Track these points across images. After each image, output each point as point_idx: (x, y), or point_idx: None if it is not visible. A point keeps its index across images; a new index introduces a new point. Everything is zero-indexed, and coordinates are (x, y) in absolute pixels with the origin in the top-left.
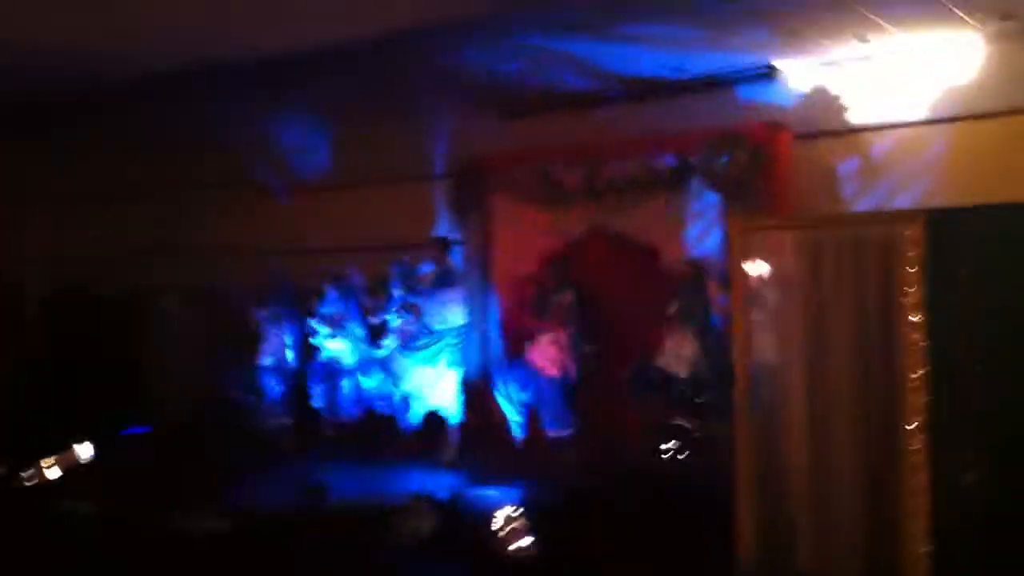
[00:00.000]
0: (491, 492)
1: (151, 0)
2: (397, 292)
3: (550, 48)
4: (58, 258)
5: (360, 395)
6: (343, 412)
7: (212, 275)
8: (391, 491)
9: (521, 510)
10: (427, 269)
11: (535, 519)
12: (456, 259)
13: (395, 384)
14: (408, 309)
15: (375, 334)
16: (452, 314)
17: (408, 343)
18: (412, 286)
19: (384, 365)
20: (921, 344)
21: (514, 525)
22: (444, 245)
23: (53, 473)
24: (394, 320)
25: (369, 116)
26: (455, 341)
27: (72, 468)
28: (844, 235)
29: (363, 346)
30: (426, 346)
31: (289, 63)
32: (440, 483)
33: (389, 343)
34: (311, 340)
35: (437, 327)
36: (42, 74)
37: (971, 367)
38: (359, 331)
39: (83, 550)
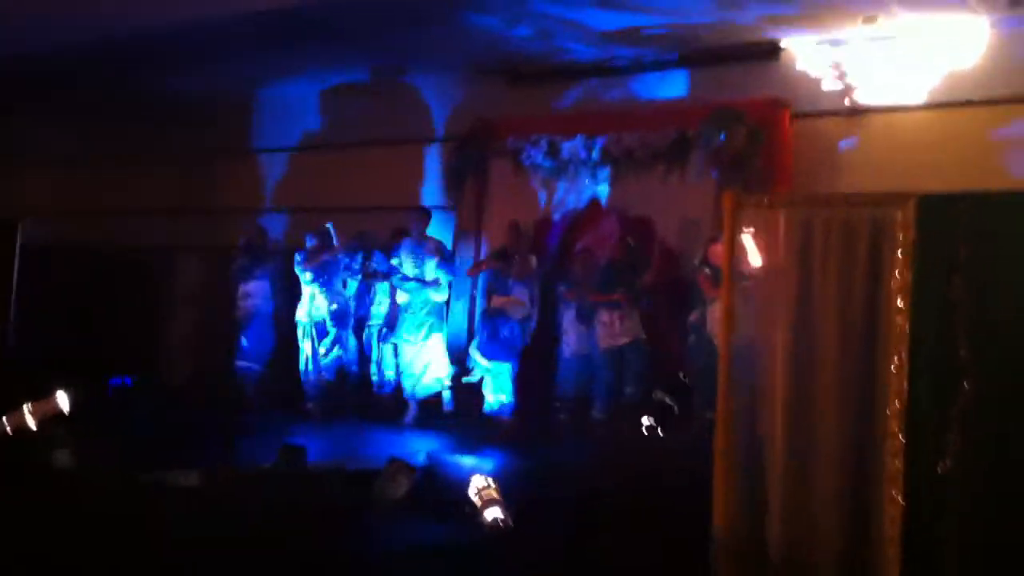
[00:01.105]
0: (465, 459)
1: None
2: (387, 257)
3: (557, 15)
4: (58, 213)
5: (344, 357)
6: (326, 372)
7: (208, 235)
8: (371, 454)
9: (493, 479)
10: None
11: (509, 489)
12: (448, 224)
13: (380, 345)
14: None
15: (360, 294)
16: (435, 283)
17: (395, 307)
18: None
19: (368, 326)
20: (905, 329)
21: (487, 493)
22: (426, 215)
23: (29, 421)
24: (382, 284)
25: (371, 77)
26: (439, 308)
27: (49, 416)
28: (835, 215)
29: (347, 304)
30: (412, 311)
31: (291, 21)
32: (417, 447)
33: (376, 306)
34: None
35: (423, 295)
36: (47, 34)
37: (954, 354)
38: (342, 288)
39: (54, 499)
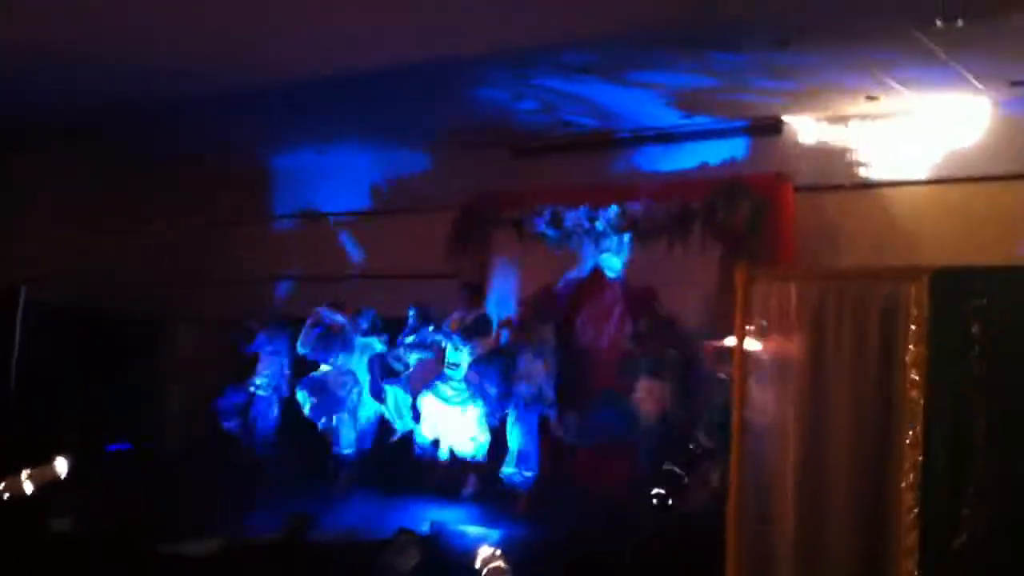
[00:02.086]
0: (473, 528)
1: (176, 28)
2: (421, 329)
3: (562, 89)
4: (60, 275)
5: (364, 426)
6: (345, 442)
7: (217, 303)
8: (379, 524)
9: (500, 551)
10: (457, 315)
11: (518, 561)
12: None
13: (403, 417)
14: (428, 348)
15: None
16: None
17: (426, 381)
18: (436, 326)
19: (396, 398)
20: (920, 403)
21: (494, 565)
22: (476, 291)
23: (27, 487)
24: (411, 356)
25: (383, 146)
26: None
27: (48, 483)
28: (847, 289)
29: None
30: (447, 386)
31: (304, 90)
32: (424, 516)
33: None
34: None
35: (461, 372)
36: (59, 91)
37: (969, 427)
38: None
39: (57, 567)
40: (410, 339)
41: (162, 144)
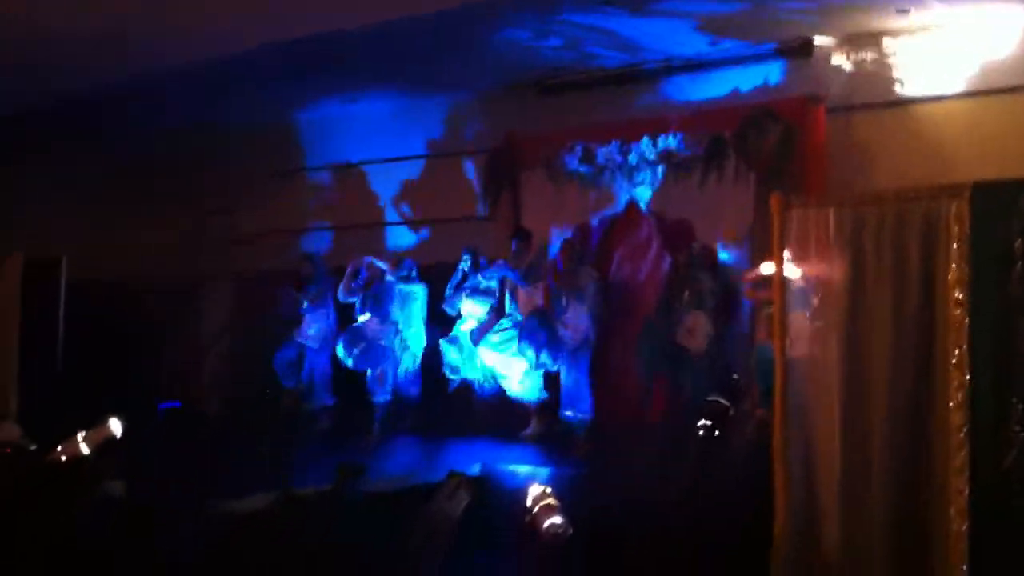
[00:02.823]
0: (523, 468)
1: None
2: (475, 274)
3: (587, 24)
4: (96, 247)
5: (410, 373)
6: (388, 389)
7: (254, 260)
8: (430, 469)
9: (550, 489)
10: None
11: (567, 499)
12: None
13: (458, 364)
14: (484, 293)
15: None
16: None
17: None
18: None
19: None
20: (965, 321)
21: (545, 503)
22: (526, 236)
23: (84, 449)
24: (468, 301)
25: (407, 92)
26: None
27: (103, 443)
28: (886, 211)
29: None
30: (497, 332)
31: (328, 43)
32: (474, 459)
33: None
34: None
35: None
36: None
37: (1016, 345)
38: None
39: (113, 526)
40: (468, 283)
41: (176, 111)
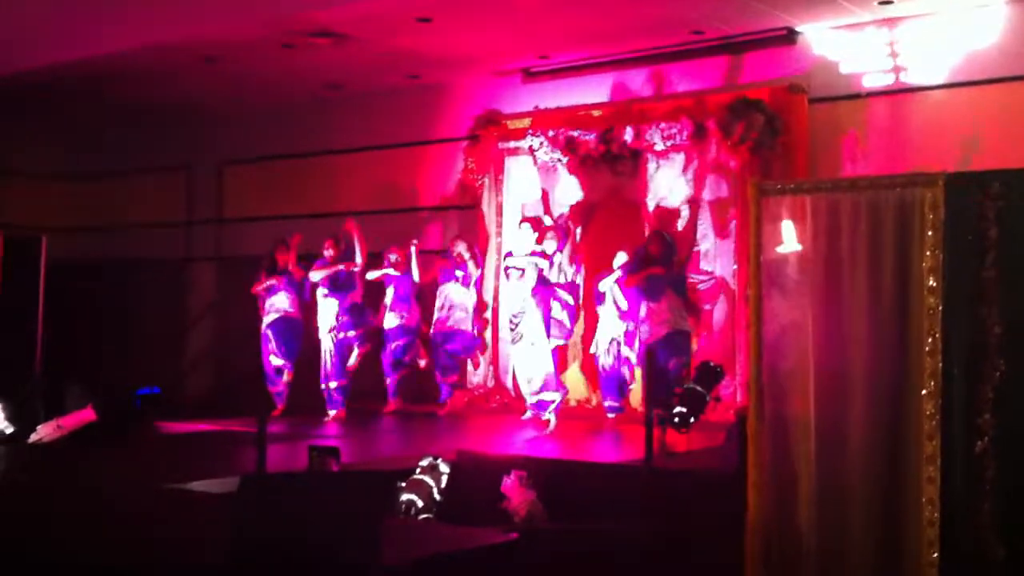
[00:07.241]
0: (498, 453)
1: None
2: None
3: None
4: (79, 228)
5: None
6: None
7: (241, 244)
8: (406, 451)
9: (525, 473)
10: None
11: (543, 483)
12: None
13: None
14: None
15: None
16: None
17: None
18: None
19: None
20: (938, 309)
21: (520, 485)
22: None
23: (61, 431)
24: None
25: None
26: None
27: (80, 428)
28: (862, 198)
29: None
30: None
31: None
32: (450, 442)
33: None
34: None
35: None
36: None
37: (988, 333)
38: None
39: (88, 510)
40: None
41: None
